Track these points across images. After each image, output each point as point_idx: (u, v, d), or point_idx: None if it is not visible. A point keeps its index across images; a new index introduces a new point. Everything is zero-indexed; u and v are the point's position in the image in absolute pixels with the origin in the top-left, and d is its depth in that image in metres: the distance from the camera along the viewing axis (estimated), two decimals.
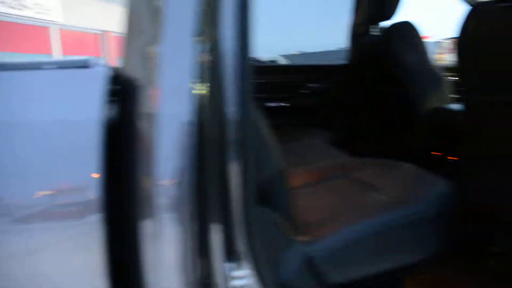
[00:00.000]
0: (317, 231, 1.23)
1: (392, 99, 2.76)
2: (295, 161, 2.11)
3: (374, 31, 2.80)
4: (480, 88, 1.77)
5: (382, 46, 2.57)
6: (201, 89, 0.89)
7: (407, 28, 2.51)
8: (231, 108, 0.93)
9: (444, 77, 2.54)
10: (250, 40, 0.94)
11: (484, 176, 1.83)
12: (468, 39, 1.74)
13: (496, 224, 1.87)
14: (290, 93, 3.25)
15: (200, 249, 0.92)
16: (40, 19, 8.79)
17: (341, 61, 3.27)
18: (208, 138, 0.90)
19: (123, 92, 0.91)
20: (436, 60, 2.87)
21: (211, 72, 0.91)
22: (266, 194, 1.18)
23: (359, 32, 3.08)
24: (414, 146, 2.67)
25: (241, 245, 0.98)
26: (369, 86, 3.06)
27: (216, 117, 0.92)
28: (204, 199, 0.89)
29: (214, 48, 0.91)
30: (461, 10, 1.74)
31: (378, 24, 2.77)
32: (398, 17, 2.64)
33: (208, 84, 0.91)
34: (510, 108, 1.59)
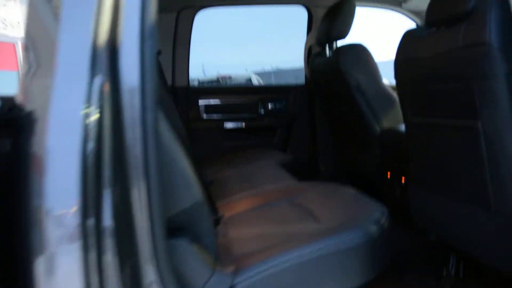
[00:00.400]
0: (244, 261, 1.19)
1: (346, 119, 2.77)
2: (243, 185, 2.08)
3: (329, 51, 2.82)
4: (412, 109, 1.78)
5: (333, 66, 2.58)
6: (99, 119, 0.86)
7: (357, 50, 2.53)
8: (133, 139, 0.89)
9: (396, 98, 2.57)
10: (153, 72, 0.91)
11: (426, 197, 1.84)
12: (400, 62, 1.75)
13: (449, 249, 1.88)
14: (247, 114, 3.24)
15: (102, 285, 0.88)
16: (5, 35, 8.62)
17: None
18: (107, 169, 0.86)
19: (15, 123, 0.87)
20: (389, 82, 2.89)
21: (111, 102, 0.88)
22: (187, 225, 1.14)
23: (314, 51, 3.10)
24: (368, 167, 2.68)
25: (150, 278, 0.94)
26: (325, 106, 3.07)
27: (117, 148, 0.88)
28: (103, 231, 0.85)
29: (114, 81, 0.88)
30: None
31: (333, 44, 2.79)
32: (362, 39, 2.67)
33: (108, 114, 0.87)
34: (440, 129, 1.60)
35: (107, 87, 0.85)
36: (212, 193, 2.07)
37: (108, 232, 0.84)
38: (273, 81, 17.17)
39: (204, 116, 3.19)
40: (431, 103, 1.64)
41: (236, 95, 3.25)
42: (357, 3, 2.99)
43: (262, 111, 3.24)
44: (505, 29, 1.27)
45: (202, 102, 3.18)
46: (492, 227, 1.47)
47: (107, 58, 0.86)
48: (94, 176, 0.82)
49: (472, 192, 1.52)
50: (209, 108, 3.19)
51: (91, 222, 0.82)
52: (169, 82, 3.12)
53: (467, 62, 1.39)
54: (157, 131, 1.00)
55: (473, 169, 1.48)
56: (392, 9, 3.10)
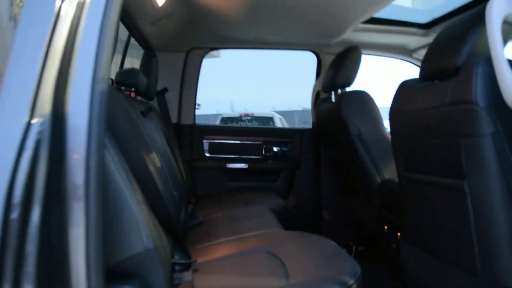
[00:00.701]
0: None
1: (347, 168, 2.70)
2: (228, 229, 2.03)
3: (334, 97, 2.79)
4: (404, 164, 1.72)
5: (335, 113, 2.54)
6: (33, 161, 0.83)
7: (360, 97, 2.49)
8: (75, 182, 0.86)
9: None
10: (102, 114, 0.88)
11: (417, 257, 1.74)
12: (394, 113, 1.71)
13: None
14: (251, 155, 3.21)
15: None
16: None
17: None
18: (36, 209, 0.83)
19: None
20: None
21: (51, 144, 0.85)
22: (137, 272, 1.09)
23: (322, 97, 3.08)
24: (368, 219, 2.59)
25: None
26: (329, 152, 3.01)
27: (53, 190, 0.85)
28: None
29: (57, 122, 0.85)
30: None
31: (337, 91, 2.76)
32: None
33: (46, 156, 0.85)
34: (429, 187, 1.53)
35: (47, 129, 0.82)
36: (197, 235, 2.03)
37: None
38: (296, 121, 17.18)
39: (207, 154, 3.17)
40: (421, 159, 1.57)
41: (241, 136, 3.23)
42: (365, 52, 2.99)
43: (266, 153, 3.20)
44: (491, 88, 1.21)
45: (206, 140, 3.17)
46: None
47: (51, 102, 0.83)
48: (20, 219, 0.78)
49: (460, 256, 1.43)
50: (213, 147, 3.18)
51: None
52: (175, 120, 3.13)
53: (454, 120, 1.33)
54: (107, 175, 0.97)
55: (460, 232, 1.40)
56: (402, 59, 3.07)
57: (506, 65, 1.14)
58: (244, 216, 2.21)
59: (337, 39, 2.85)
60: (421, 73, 1.59)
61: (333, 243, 1.58)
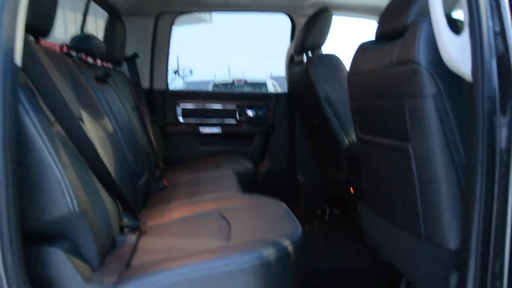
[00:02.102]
0: (131, 273, 1.13)
1: (317, 131, 2.68)
2: (188, 192, 2.02)
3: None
4: (359, 126, 1.70)
5: (304, 76, 2.50)
6: None
7: (328, 60, 2.44)
8: None
9: None
10: None
11: (373, 218, 1.75)
12: (351, 75, 1.68)
13: None
14: (225, 120, 3.18)
15: None
16: None
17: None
18: None
19: None
20: None
21: None
22: (65, 233, 1.09)
23: (295, 60, 3.03)
24: (338, 181, 2.59)
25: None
26: (301, 117, 2.99)
27: None
28: None
29: None
30: None
31: (311, 53, 2.71)
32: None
33: None
34: (380, 149, 1.52)
35: None
36: (158, 199, 2.02)
37: None
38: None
39: (181, 120, 3.14)
40: (372, 121, 1.55)
41: (215, 100, 3.19)
42: (340, 13, 2.92)
43: (240, 118, 3.17)
44: (433, 47, 1.18)
45: (180, 106, 3.14)
46: (423, 255, 1.38)
47: None
48: None
49: (407, 218, 1.43)
50: (186, 112, 3.14)
51: None
52: (147, 85, 3.08)
53: (399, 80, 1.30)
54: (27, 139, 0.96)
55: (406, 194, 1.39)
56: (373, 19, 3.01)
57: (443, 23, 1.10)
58: (207, 180, 2.21)
59: (310, 0, 2.78)
60: (376, 34, 1.55)
61: (284, 206, 1.57)
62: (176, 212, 1.72)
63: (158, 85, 3.11)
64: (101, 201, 1.32)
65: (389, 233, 1.61)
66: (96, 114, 1.63)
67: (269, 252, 1.14)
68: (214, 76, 11.57)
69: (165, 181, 2.26)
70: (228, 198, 1.79)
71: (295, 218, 1.43)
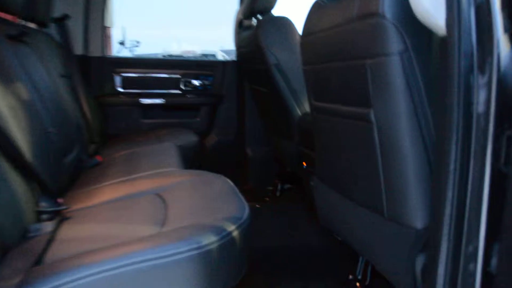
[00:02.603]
0: (41, 271, 0.91)
1: (267, 101, 2.50)
2: (122, 169, 1.80)
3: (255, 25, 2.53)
4: (314, 92, 1.53)
5: (253, 41, 2.30)
6: None
7: (279, 23, 2.25)
8: None
9: None
10: None
11: (328, 194, 1.61)
12: (304, 36, 1.49)
13: None
14: (168, 90, 2.94)
15: None
16: None
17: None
18: None
19: None
20: None
21: None
22: None
23: (244, 25, 2.81)
24: (289, 155, 2.43)
25: None
26: (251, 86, 2.79)
27: None
28: None
29: None
30: None
31: (261, 17, 2.50)
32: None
33: None
34: (338, 118, 1.35)
35: None
36: (89, 177, 1.79)
37: None
38: None
39: (120, 89, 2.87)
40: (328, 86, 1.38)
41: (158, 68, 2.93)
42: None
43: (185, 87, 2.94)
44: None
45: (118, 74, 2.85)
46: (385, 235, 1.24)
47: None
48: None
49: (368, 195, 1.28)
50: (126, 81, 2.87)
51: None
52: (80, 50, 2.77)
53: (360, 37, 1.13)
54: None
55: (367, 168, 1.24)
56: None
57: None
58: (146, 155, 1.98)
59: None
60: None
61: (230, 183, 1.38)
62: (107, 192, 1.50)
63: (93, 51, 2.81)
64: (5, 182, 1.08)
65: (346, 210, 1.46)
66: (6, 78, 1.36)
67: (210, 239, 0.96)
68: (163, 49, 11.19)
69: (99, 157, 2.01)
70: (167, 175, 1.58)
71: (242, 197, 1.25)
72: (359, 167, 1.29)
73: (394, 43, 1.03)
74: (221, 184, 1.37)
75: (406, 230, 1.14)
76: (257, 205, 2.75)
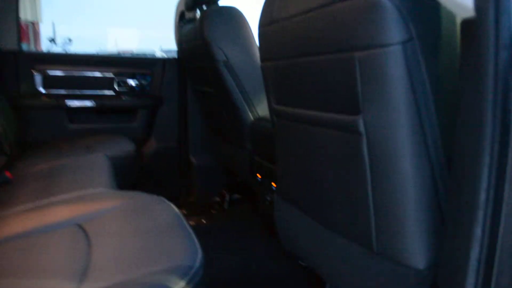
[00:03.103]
0: None
1: (214, 104, 2.21)
2: (37, 190, 1.44)
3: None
4: (275, 94, 1.26)
5: (197, 35, 2.00)
6: None
7: (228, 14, 1.96)
8: None
9: None
10: None
11: (292, 215, 1.34)
12: (263, 26, 1.22)
13: None
14: (99, 90, 2.56)
15: None
16: None
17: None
18: None
19: None
20: None
21: None
22: None
23: (187, 17, 2.50)
24: (241, 165, 2.15)
25: None
26: (195, 86, 2.48)
27: None
28: None
29: None
30: None
31: (206, 7, 2.19)
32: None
33: None
34: (310, 127, 1.09)
35: None
36: None
37: None
38: None
39: (41, 90, 2.46)
40: (297, 86, 1.11)
41: (87, 66, 2.54)
42: None
43: (119, 88, 2.58)
44: None
45: (38, 72, 2.45)
46: (374, 273, 0.98)
47: None
48: None
49: (350, 224, 1.02)
50: (48, 80, 2.46)
51: None
52: None
53: (346, 21, 0.86)
54: None
55: (352, 192, 0.98)
56: None
57: None
58: (67, 170, 1.63)
59: None
60: None
61: (173, 210, 1.08)
62: (12, 223, 1.15)
63: (6, 45, 2.38)
64: None
65: (318, 238, 1.20)
66: None
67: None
68: (99, 48, 10.58)
69: (7, 174, 1.63)
70: (93, 198, 1.25)
71: (191, 230, 0.95)
72: (339, 190, 1.03)
73: (395, 30, 0.77)
74: (163, 211, 1.06)
75: (403, 270, 0.89)
76: (203, 220, 2.45)
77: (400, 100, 0.80)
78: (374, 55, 0.80)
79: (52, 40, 9.71)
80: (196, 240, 0.89)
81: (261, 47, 1.27)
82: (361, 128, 0.88)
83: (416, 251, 0.86)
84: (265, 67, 1.28)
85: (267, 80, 1.30)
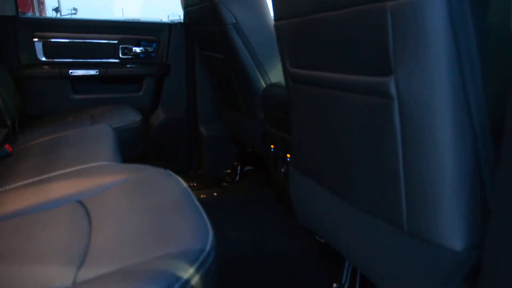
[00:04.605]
0: None
1: (224, 71, 2.09)
2: (36, 165, 1.35)
3: None
4: (291, 57, 1.15)
5: None
6: None
7: None
8: None
9: None
10: None
11: (310, 188, 1.25)
12: None
13: None
14: (104, 58, 2.45)
15: None
16: None
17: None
18: None
19: None
20: None
21: None
22: None
23: None
24: (253, 135, 2.05)
25: None
26: (203, 52, 2.36)
27: None
28: None
29: None
30: None
31: None
32: None
33: None
34: (331, 91, 0.98)
35: None
36: None
37: None
38: None
39: (43, 58, 2.36)
40: (317, 47, 0.99)
41: (89, 32, 2.43)
42: None
43: (124, 55, 2.46)
44: None
45: (39, 39, 2.34)
46: (404, 254, 0.89)
47: None
48: None
49: (377, 200, 0.92)
50: (49, 48, 2.36)
51: None
52: None
53: None
54: None
55: (380, 165, 0.87)
56: None
57: None
58: (69, 143, 1.54)
59: None
60: None
61: (181, 184, 0.98)
62: (10, 201, 1.07)
63: (2, 10, 2.26)
64: None
65: (338, 213, 1.11)
66: None
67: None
68: (105, 17, 10.39)
69: (7, 147, 1.55)
70: (95, 172, 1.16)
71: (201, 208, 0.86)
72: (365, 162, 0.93)
73: None
74: (170, 186, 0.97)
75: (437, 252, 0.79)
76: (214, 193, 2.37)
77: (440, 59, 0.68)
78: (411, 4, 0.68)
79: (57, 10, 9.56)
80: (206, 219, 0.79)
81: (274, 5, 1.15)
82: (393, 91, 0.77)
83: (453, 231, 0.76)
84: (279, 27, 1.16)
85: (282, 41, 1.18)
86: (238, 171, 2.56)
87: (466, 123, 0.71)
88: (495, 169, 0.71)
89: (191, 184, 2.45)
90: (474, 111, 0.70)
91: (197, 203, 0.88)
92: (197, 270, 0.65)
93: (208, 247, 0.70)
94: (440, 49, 0.68)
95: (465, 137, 0.71)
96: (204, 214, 0.82)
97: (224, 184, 2.51)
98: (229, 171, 2.60)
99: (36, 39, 2.32)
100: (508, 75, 0.68)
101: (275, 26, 1.19)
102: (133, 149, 1.93)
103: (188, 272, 0.63)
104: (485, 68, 0.70)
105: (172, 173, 1.07)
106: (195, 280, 0.63)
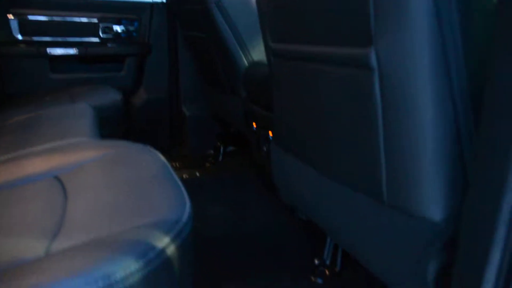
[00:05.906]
0: None
1: (206, 50, 2.06)
2: (14, 141, 1.32)
3: None
4: (272, 31, 1.13)
5: None
6: None
7: None
8: None
9: None
10: None
11: (291, 165, 1.24)
12: None
13: None
14: (83, 37, 2.40)
15: None
16: None
17: None
18: None
19: None
20: None
21: None
22: None
23: None
24: (235, 114, 2.04)
25: None
26: (186, 31, 2.33)
27: None
28: None
29: None
30: None
31: None
32: None
33: None
34: (313, 65, 0.96)
35: None
36: None
37: None
38: None
39: (19, 36, 2.29)
40: (298, 19, 0.98)
41: (68, 10, 2.37)
42: None
43: (105, 34, 2.41)
44: None
45: (14, 16, 2.27)
46: (383, 226, 0.89)
47: None
48: None
49: (357, 173, 0.92)
50: (26, 26, 2.29)
51: None
52: None
53: None
54: None
55: (360, 137, 0.87)
56: None
57: None
58: (47, 121, 1.51)
59: None
60: None
61: (160, 159, 0.97)
62: None
63: None
64: None
65: (318, 187, 1.11)
66: None
67: (126, 269, 0.56)
68: None
69: None
70: (73, 148, 1.14)
71: (179, 181, 0.84)
72: (345, 135, 0.92)
73: None
74: (149, 161, 0.96)
75: (416, 223, 0.80)
76: (197, 173, 2.35)
77: (422, 27, 0.67)
78: None
79: None
80: (184, 191, 0.78)
81: None
82: (373, 62, 0.76)
83: (432, 202, 0.76)
84: (261, 1, 1.14)
85: (263, 15, 1.16)
86: (221, 152, 2.55)
87: (447, 94, 0.70)
88: (475, 140, 0.71)
89: (174, 164, 2.43)
90: (455, 81, 0.70)
91: (176, 177, 0.87)
92: (173, 240, 0.64)
93: (184, 218, 0.69)
94: (422, 18, 0.67)
95: (445, 108, 0.71)
96: (182, 187, 0.81)
97: (207, 164, 2.50)
98: (212, 151, 2.59)
99: (11, 16, 2.26)
100: (490, 44, 0.67)
101: (257, 1, 1.17)
102: (115, 129, 1.91)
103: (163, 241, 0.62)
104: (466, 37, 0.69)
105: (152, 149, 1.05)
106: (170, 249, 0.62)
